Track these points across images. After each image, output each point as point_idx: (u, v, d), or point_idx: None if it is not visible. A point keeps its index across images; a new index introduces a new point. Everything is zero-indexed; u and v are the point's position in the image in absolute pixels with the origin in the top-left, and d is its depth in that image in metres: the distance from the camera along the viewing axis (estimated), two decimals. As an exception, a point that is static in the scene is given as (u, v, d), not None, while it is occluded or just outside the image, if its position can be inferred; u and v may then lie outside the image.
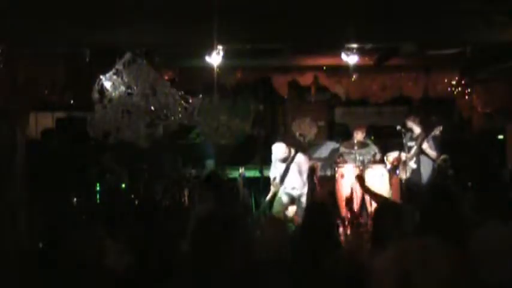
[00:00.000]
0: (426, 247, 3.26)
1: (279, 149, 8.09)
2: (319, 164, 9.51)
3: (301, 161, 8.10)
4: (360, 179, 6.71)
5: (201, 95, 8.18)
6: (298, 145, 8.97)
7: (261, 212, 8.05)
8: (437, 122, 8.37)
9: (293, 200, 8.03)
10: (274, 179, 8.15)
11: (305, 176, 8.15)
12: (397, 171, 8.69)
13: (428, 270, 3.18)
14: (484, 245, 4.06)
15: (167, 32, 6.63)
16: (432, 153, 8.33)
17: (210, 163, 8.99)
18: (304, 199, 8.09)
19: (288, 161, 8.02)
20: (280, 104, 10.23)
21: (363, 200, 8.64)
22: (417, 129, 8.48)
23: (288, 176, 8.03)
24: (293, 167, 8.01)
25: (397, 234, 3.72)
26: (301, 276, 3.58)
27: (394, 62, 7.96)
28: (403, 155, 8.33)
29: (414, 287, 3.18)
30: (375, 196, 5.61)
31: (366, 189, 5.99)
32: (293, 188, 8.04)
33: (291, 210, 7.88)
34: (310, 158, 8.73)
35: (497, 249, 4.06)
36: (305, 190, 8.15)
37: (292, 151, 8.14)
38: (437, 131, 8.31)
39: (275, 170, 8.19)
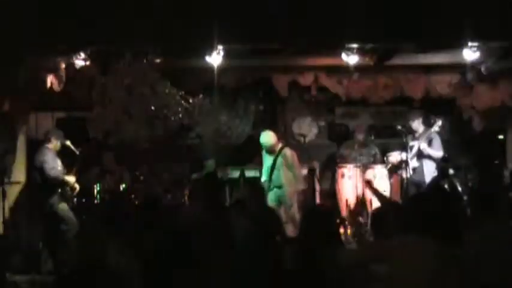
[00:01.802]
0: (410, 246, 3.28)
1: (266, 137, 7.97)
2: (319, 164, 9.51)
3: (288, 154, 7.95)
4: (369, 183, 6.79)
5: (201, 95, 8.18)
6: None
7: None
8: (436, 119, 8.38)
9: (280, 200, 7.87)
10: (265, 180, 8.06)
11: (295, 172, 7.98)
12: (398, 171, 8.69)
13: (412, 268, 3.19)
14: (484, 245, 4.06)
15: (167, 31, 6.64)
16: (432, 152, 8.33)
17: (210, 163, 8.98)
18: (291, 201, 7.92)
19: (275, 153, 7.90)
20: (280, 104, 10.22)
21: (363, 200, 8.64)
22: (419, 129, 8.49)
23: (275, 172, 7.89)
24: (279, 161, 7.88)
25: (396, 234, 3.72)
26: (301, 277, 3.58)
27: (394, 62, 7.95)
28: (404, 155, 8.33)
29: (398, 285, 3.20)
30: (382, 198, 5.62)
31: (375, 192, 5.99)
32: (280, 187, 7.89)
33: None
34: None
35: (496, 249, 4.06)
36: (291, 188, 7.97)
37: (280, 144, 8.02)
38: (436, 128, 8.31)
39: (264, 167, 8.08)
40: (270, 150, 7.97)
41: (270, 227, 4.14)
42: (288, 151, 7.99)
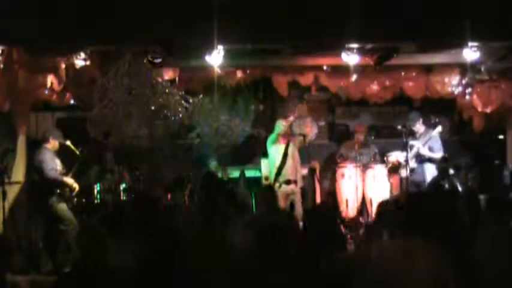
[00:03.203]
0: (410, 248, 3.27)
1: (281, 123, 8.13)
2: (319, 164, 9.51)
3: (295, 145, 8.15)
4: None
5: (201, 95, 8.18)
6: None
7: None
8: (438, 121, 8.39)
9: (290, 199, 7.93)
10: (266, 178, 8.11)
11: (299, 170, 8.14)
12: (398, 171, 8.70)
13: (412, 271, 3.18)
14: (485, 245, 4.06)
15: (168, 31, 6.63)
16: (433, 154, 8.33)
17: (210, 163, 8.98)
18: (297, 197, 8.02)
19: (286, 140, 8.01)
20: (280, 104, 10.22)
21: (363, 200, 8.65)
22: (420, 129, 8.49)
23: (286, 165, 7.96)
24: (291, 149, 7.99)
25: (395, 234, 3.72)
26: (300, 277, 3.57)
27: (394, 62, 7.96)
28: (404, 155, 8.34)
29: (395, 285, 3.19)
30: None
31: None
32: (288, 182, 7.94)
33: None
34: None
35: (497, 250, 4.05)
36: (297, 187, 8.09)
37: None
38: (437, 131, 8.32)
39: (271, 162, 8.13)
40: (284, 135, 8.05)
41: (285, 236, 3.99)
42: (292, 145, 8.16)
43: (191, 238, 4.07)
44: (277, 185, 7.96)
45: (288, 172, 8.01)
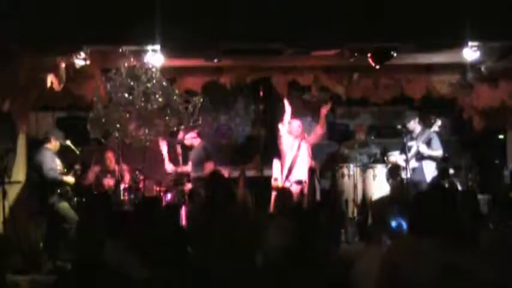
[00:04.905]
0: (416, 247, 3.28)
1: (296, 123, 8.14)
2: (319, 164, 9.52)
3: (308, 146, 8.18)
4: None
5: (201, 95, 8.18)
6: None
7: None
8: (436, 119, 8.38)
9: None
10: (276, 178, 8.14)
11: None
12: (398, 171, 8.69)
13: (418, 268, 3.19)
14: (485, 245, 4.06)
15: (167, 31, 6.64)
16: (432, 152, 8.32)
17: (211, 163, 8.98)
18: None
19: (299, 140, 8.04)
20: (280, 103, 10.22)
21: (363, 200, 8.66)
22: (417, 129, 8.49)
23: (297, 164, 8.00)
24: (303, 147, 8.01)
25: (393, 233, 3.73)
26: (295, 275, 3.57)
27: (394, 62, 7.96)
28: (404, 155, 8.34)
29: (403, 285, 3.20)
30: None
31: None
32: (299, 182, 7.99)
33: None
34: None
35: (497, 249, 4.06)
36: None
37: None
38: (435, 128, 8.31)
39: (282, 162, 8.14)
40: (297, 136, 8.01)
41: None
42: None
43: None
44: (287, 184, 8.01)
45: (298, 172, 8.04)
